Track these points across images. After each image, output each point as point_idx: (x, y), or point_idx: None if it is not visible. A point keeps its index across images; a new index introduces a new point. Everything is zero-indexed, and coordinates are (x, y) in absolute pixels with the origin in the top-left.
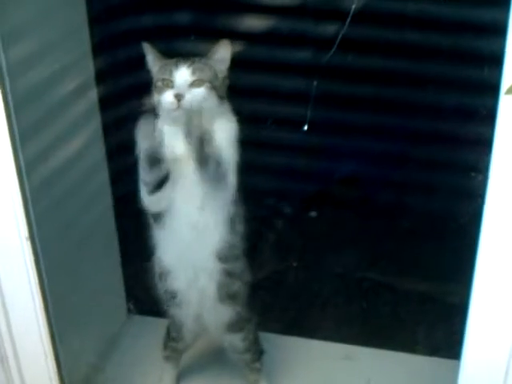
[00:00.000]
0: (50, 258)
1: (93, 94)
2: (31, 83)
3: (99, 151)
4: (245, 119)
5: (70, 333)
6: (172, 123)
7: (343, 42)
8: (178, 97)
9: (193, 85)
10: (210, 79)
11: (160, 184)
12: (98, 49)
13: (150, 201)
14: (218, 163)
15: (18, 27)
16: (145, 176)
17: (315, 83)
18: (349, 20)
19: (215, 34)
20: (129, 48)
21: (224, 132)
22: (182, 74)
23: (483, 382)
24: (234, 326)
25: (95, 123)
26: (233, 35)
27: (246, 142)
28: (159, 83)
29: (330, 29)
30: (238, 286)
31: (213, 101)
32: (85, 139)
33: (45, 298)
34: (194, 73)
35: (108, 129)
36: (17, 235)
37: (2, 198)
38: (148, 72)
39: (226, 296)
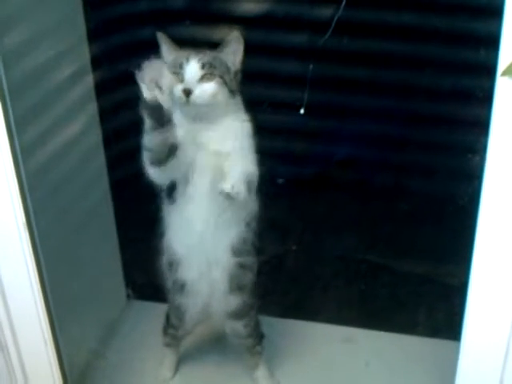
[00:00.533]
0: (48, 244)
1: (89, 80)
2: (27, 70)
3: (96, 136)
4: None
5: (70, 319)
6: (183, 117)
7: (339, 25)
8: (187, 92)
9: (203, 79)
10: (220, 74)
11: (164, 157)
12: (93, 34)
13: (154, 172)
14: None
15: (13, 14)
16: (145, 139)
17: (311, 66)
18: (344, 2)
19: (210, 19)
20: (124, 33)
21: (237, 132)
22: (192, 68)
23: (483, 363)
24: (238, 314)
25: (91, 109)
26: (228, 19)
27: None
28: (169, 77)
29: (325, 12)
30: (249, 278)
31: (223, 96)
32: (81, 125)
33: (43, 284)
34: (203, 67)
35: (104, 114)
36: (14, 222)
37: None
38: (145, 55)
39: (237, 287)
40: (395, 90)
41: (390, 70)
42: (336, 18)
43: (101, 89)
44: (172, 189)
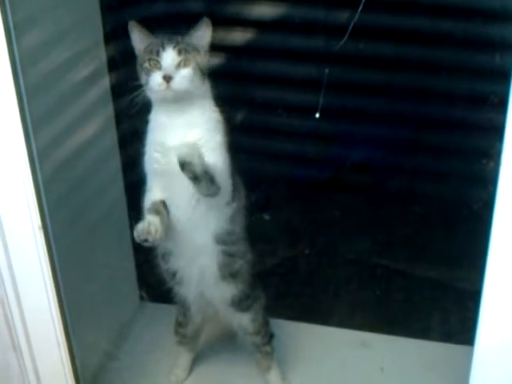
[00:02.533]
0: (63, 246)
1: (105, 82)
2: (44, 71)
3: (111, 139)
4: (257, 106)
5: (83, 321)
6: (161, 105)
7: (355, 29)
8: (167, 78)
9: (180, 65)
10: (195, 59)
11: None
12: (110, 36)
13: None
14: (212, 179)
15: (31, 15)
16: None
17: (327, 71)
18: (361, 7)
19: (227, 22)
20: None
21: (208, 121)
22: (169, 55)
23: (497, 368)
24: (239, 304)
25: (108, 111)
26: (245, 23)
27: (259, 129)
28: (146, 64)
29: (341, 16)
30: (239, 265)
31: (198, 80)
32: (97, 127)
33: (57, 286)
34: (180, 53)
35: (120, 116)
36: (29, 225)
37: (15, 187)
38: None
39: (228, 274)
40: (410, 94)
41: (404, 75)
42: (353, 23)
43: (117, 91)
44: None
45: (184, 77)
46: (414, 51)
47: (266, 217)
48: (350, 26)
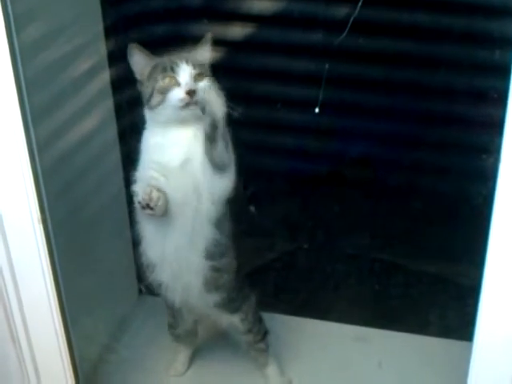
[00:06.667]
0: (62, 239)
1: (105, 76)
2: (44, 64)
3: (112, 132)
4: (256, 101)
5: (82, 314)
6: (160, 125)
7: (355, 24)
8: (191, 92)
9: (196, 79)
10: (206, 72)
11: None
12: (110, 30)
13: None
14: (227, 144)
15: (31, 8)
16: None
17: (327, 66)
18: (361, 2)
19: (227, 17)
20: (141, 30)
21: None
22: (186, 70)
23: (496, 363)
24: (226, 307)
25: (108, 104)
26: (244, 17)
27: (258, 124)
28: (160, 83)
29: (341, 11)
30: (224, 278)
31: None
32: (97, 120)
33: (56, 279)
34: (194, 67)
35: (120, 110)
36: (29, 218)
37: (14, 180)
38: (161, 52)
39: (214, 288)
40: (410, 89)
41: (405, 70)
42: (352, 18)
43: (117, 85)
44: None
45: (204, 90)
46: (414, 46)
47: (252, 209)
48: (350, 21)
